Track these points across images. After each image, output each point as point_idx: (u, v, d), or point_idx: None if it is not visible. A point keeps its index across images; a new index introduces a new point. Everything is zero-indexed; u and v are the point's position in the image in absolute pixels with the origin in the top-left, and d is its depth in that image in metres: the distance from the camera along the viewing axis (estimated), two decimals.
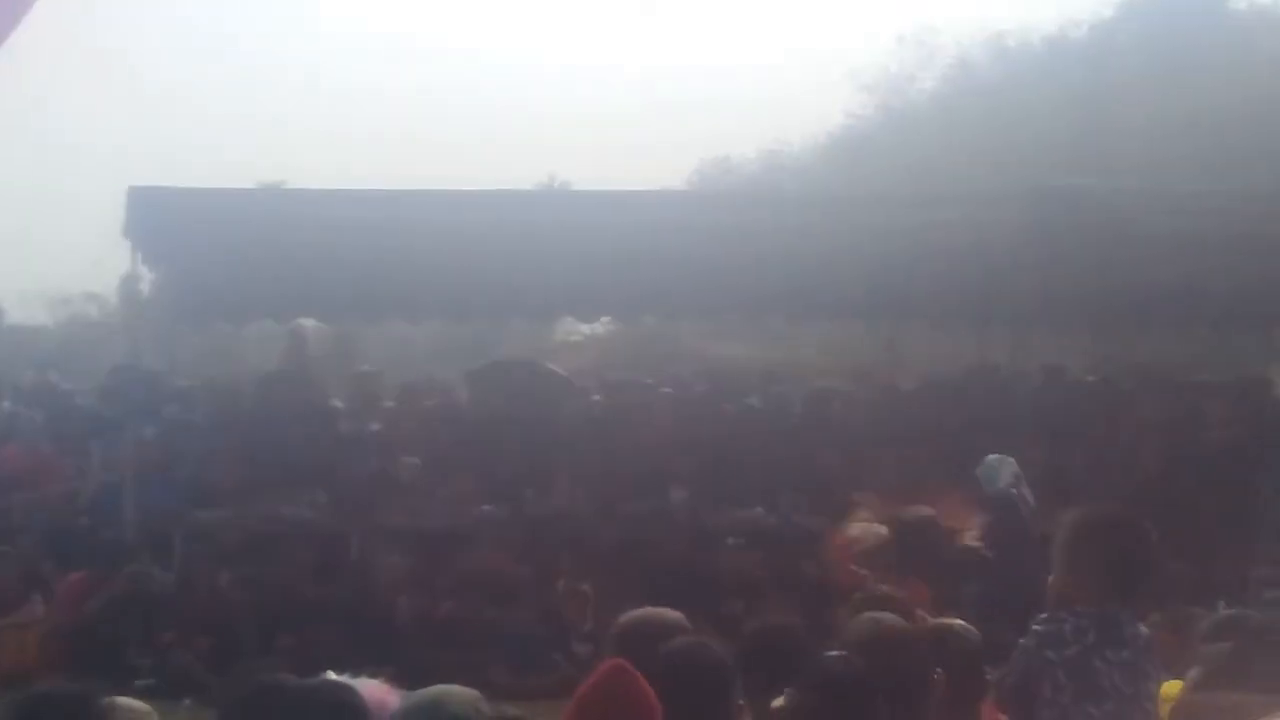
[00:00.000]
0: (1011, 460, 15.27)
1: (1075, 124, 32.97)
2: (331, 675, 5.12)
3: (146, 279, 17.64)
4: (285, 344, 18.75)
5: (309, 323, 20.16)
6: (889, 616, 5.80)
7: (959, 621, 6.27)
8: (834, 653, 5.34)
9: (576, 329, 26.34)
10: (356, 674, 5.46)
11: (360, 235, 15.96)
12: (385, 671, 8.01)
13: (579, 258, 16.21)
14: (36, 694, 4.73)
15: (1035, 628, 5.74)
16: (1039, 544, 7.44)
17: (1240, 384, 18.55)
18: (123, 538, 15.58)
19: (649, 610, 6.06)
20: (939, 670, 5.38)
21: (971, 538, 15.53)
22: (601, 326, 25.40)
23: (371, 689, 4.97)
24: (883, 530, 14.96)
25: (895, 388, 18.47)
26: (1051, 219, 15.90)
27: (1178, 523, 15.41)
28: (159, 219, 16.51)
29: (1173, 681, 5.88)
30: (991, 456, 15.31)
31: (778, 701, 5.13)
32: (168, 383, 17.89)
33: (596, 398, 18.60)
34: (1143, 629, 5.73)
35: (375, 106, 73.74)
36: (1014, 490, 15.10)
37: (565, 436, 17.16)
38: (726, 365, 22.22)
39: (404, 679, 5.42)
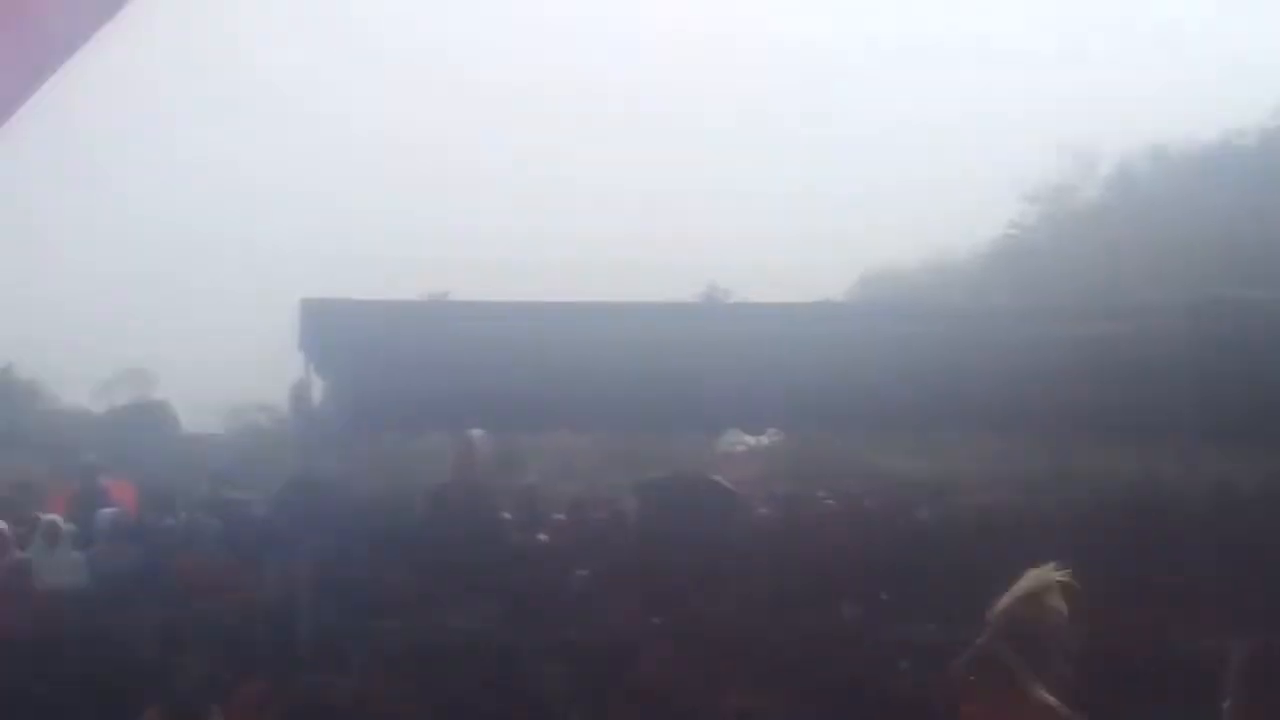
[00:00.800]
0: None
1: (1236, 234, 32.65)
2: None
3: (318, 388, 17.96)
4: (455, 453, 18.91)
5: (477, 432, 20.39)
6: None
7: None
8: None
9: (742, 440, 26.34)
10: None
11: (526, 347, 16.16)
12: None
13: (745, 369, 16.26)
14: None
15: None
16: None
17: None
18: (300, 648, 15.77)
19: None
20: None
21: None
22: (767, 438, 25.42)
23: None
24: None
25: (1066, 503, 18.30)
26: (1218, 330, 15.75)
27: None
28: (331, 330, 16.81)
29: None
30: None
31: None
32: (341, 494, 18.13)
33: (764, 511, 18.62)
34: None
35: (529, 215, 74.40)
36: None
37: (735, 549, 17.17)
38: (893, 478, 22.14)
39: None
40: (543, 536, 17.87)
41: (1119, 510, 17.80)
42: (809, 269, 58.49)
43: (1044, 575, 7.45)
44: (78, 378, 57.91)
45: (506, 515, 18.27)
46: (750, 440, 26.07)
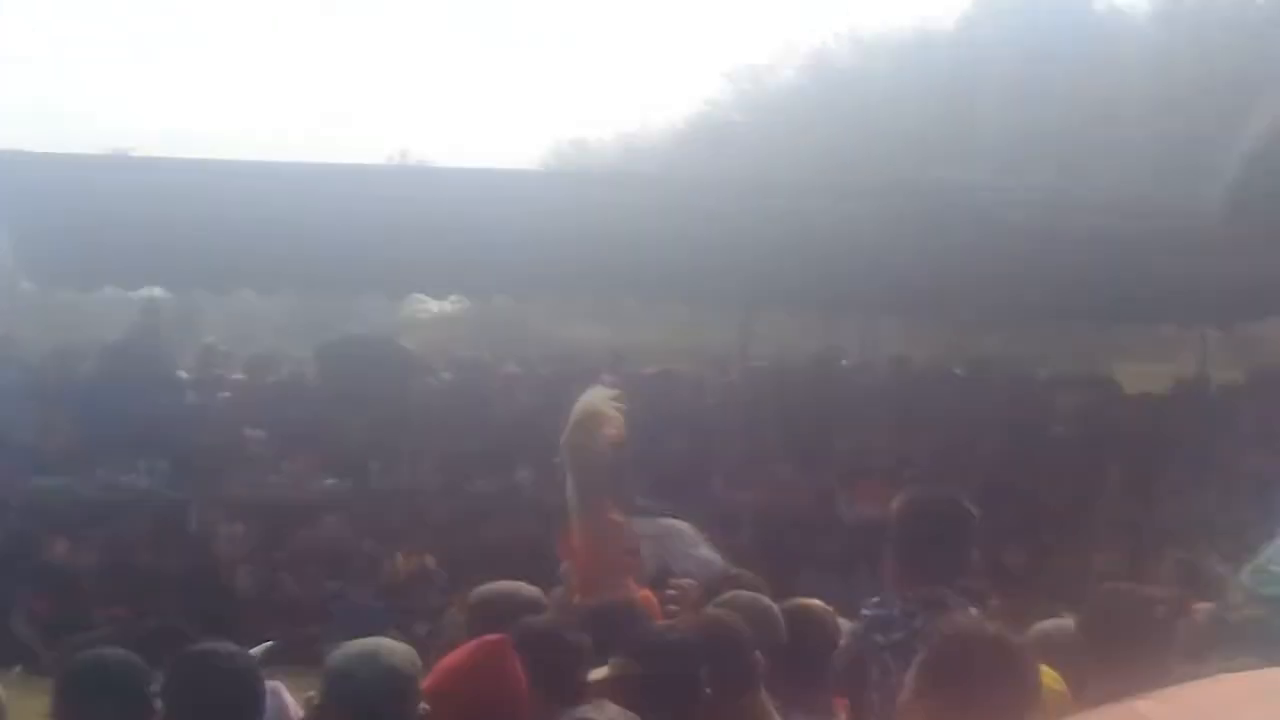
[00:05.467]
0: None
1: (932, 119, 33.28)
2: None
3: None
4: (139, 316, 18.40)
5: (156, 292, 19.95)
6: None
7: (815, 601, 6.25)
8: (661, 624, 5.37)
9: (426, 306, 26.24)
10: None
11: (210, 206, 15.75)
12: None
13: (430, 235, 16.07)
14: None
15: (865, 612, 5.75)
16: None
17: (1086, 379, 18.89)
18: None
19: (505, 584, 6.03)
20: (758, 654, 5.33)
21: None
22: (451, 305, 25.34)
23: None
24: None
25: (744, 373, 18.58)
26: (904, 211, 15.99)
27: (1020, 514, 15.75)
28: (7, 183, 16.25)
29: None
30: None
31: (599, 672, 5.14)
32: (7, 346, 17.62)
33: (446, 375, 18.57)
34: (972, 612, 5.73)
35: (230, 74, 72.97)
36: None
37: (413, 413, 17.11)
38: (575, 347, 22.22)
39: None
40: (227, 393, 17.61)
41: (799, 380, 18.15)
42: (500, 140, 58.41)
43: (594, 399, 7.61)
44: None
45: (183, 374, 17.94)
46: (434, 307, 25.99)
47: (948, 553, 5.78)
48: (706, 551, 9.94)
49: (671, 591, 6.48)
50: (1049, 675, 5.42)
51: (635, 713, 4.79)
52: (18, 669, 11.90)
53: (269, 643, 5.69)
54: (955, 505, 5.90)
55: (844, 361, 19.58)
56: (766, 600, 5.95)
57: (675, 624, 5.78)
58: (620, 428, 7.45)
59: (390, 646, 4.74)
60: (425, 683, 4.87)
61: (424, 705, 4.69)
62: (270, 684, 5.07)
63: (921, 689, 4.14)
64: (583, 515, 7.30)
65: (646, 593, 6.71)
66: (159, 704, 4.63)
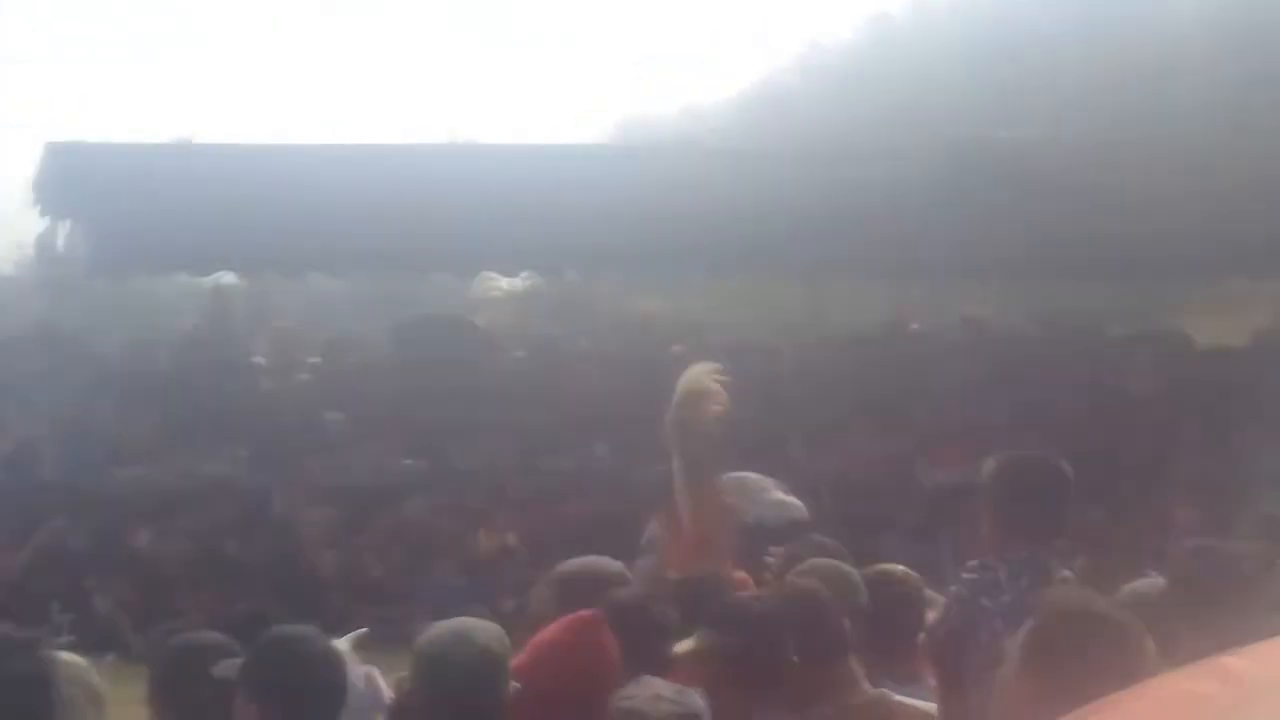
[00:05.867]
0: None
1: (993, 76, 33.07)
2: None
3: (63, 234, 17.53)
4: (209, 302, 18.55)
5: (228, 278, 20.09)
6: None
7: (898, 566, 6.25)
8: (746, 595, 5.38)
9: (496, 284, 26.25)
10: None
11: (277, 190, 15.90)
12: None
13: (499, 212, 16.16)
14: None
15: (967, 576, 5.72)
16: None
17: (1156, 335, 18.78)
18: (43, 495, 15.48)
19: (590, 560, 6.05)
20: (846, 621, 5.31)
21: None
22: (521, 282, 25.35)
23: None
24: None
25: (818, 341, 18.57)
26: (963, 171, 15.96)
27: (1097, 474, 15.69)
28: (76, 174, 16.41)
29: None
30: None
31: (685, 645, 5.15)
32: (86, 340, 17.79)
33: (519, 353, 18.62)
34: (1068, 573, 5.74)
35: (279, 61, 73.19)
36: None
37: (488, 392, 17.17)
38: (647, 319, 22.21)
39: (329, 635, 5.42)
40: (304, 377, 17.72)
41: (873, 348, 18.13)
42: (566, 117, 58.37)
43: (697, 375, 7.65)
44: None
45: (258, 359, 18.06)
46: (504, 284, 26.01)
47: (1048, 514, 5.78)
48: (782, 495, 10.00)
49: (769, 559, 6.49)
50: None
51: (723, 684, 4.82)
52: (110, 657, 11.96)
53: (362, 630, 5.72)
54: (1052, 466, 5.90)
55: (915, 325, 19.54)
56: (847, 566, 5.95)
57: (760, 595, 5.80)
58: (725, 403, 7.50)
59: (480, 626, 4.76)
60: (519, 660, 4.91)
61: (515, 683, 4.72)
62: (364, 669, 5.11)
63: (1026, 666, 4.13)
64: (693, 492, 7.42)
65: (742, 575, 6.73)
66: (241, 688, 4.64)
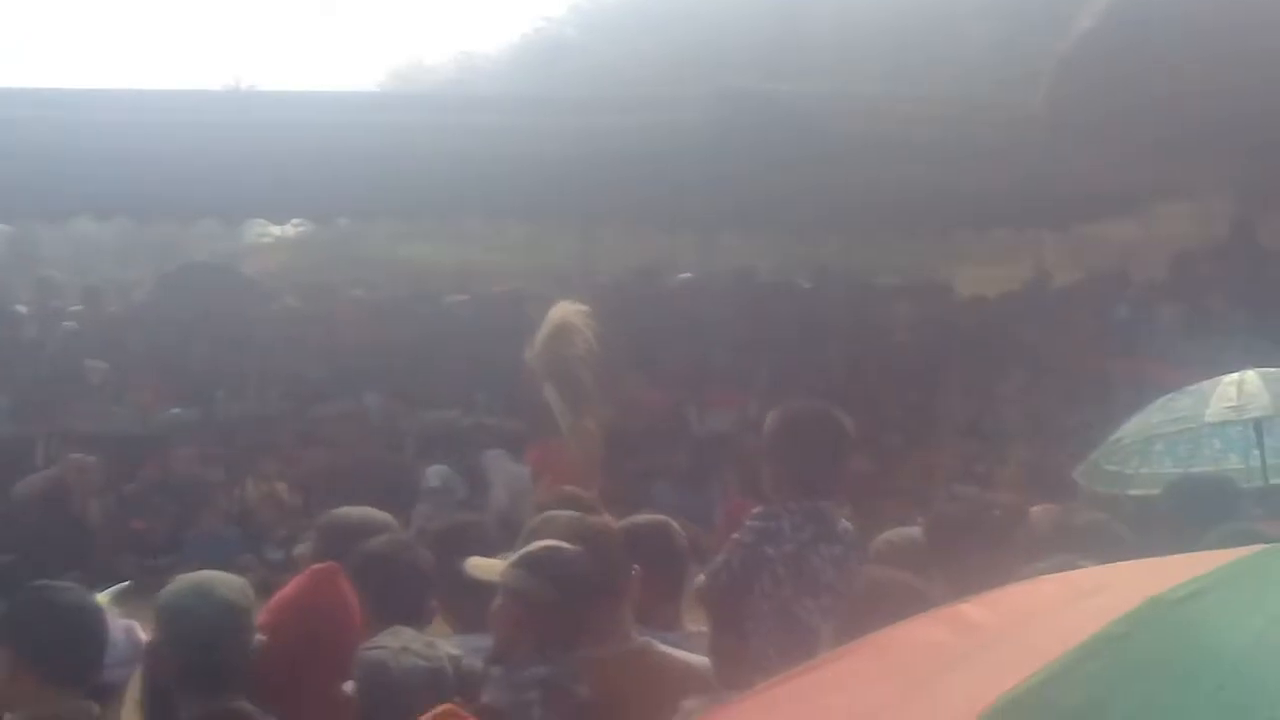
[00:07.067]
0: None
1: (766, 28, 33.30)
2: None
3: None
4: None
5: None
6: (585, 516, 5.83)
7: (659, 517, 6.27)
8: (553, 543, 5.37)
9: (268, 231, 25.98)
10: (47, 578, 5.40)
11: (43, 134, 15.54)
12: (74, 576, 7.84)
13: (269, 158, 15.96)
14: None
15: (750, 524, 5.74)
16: None
17: (922, 287, 19.14)
18: None
19: (353, 509, 6.01)
20: (636, 566, 5.32)
21: None
22: (293, 229, 25.11)
23: None
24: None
25: (587, 289, 18.64)
26: (739, 122, 16.08)
27: (865, 422, 15.96)
28: None
29: None
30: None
31: (476, 570, 5.10)
32: None
33: (290, 301, 18.47)
34: (847, 523, 5.83)
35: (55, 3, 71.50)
36: None
37: (257, 340, 17.02)
38: (419, 267, 22.14)
39: (94, 584, 5.36)
40: (68, 324, 17.40)
41: (636, 295, 18.25)
42: (340, 63, 57.75)
43: (566, 310, 8.02)
44: None
45: (20, 308, 17.72)
46: (276, 231, 25.76)
47: (829, 466, 5.86)
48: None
49: None
50: None
51: (511, 622, 4.82)
52: None
53: (125, 583, 5.66)
54: (833, 418, 5.96)
55: (686, 275, 19.72)
56: (588, 519, 5.91)
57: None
58: (591, 340, 7.94)
59: (221, 578, 4.73)
60: (261, 616, 4.91)
61: (260, 636, 4.72)
62: (124, 623, 5.07)
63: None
64: (569, 420, 8.04)
65: None
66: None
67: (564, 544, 5.28)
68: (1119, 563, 2.81)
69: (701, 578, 5.74)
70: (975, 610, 2.62)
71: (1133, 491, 8.40)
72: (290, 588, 5.06)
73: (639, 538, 5.56)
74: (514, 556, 5.08)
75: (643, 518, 6.05)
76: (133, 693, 5.00)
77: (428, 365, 16.72)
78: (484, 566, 5.05)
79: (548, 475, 7.81)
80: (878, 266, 21.35)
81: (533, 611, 4.88)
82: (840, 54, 30.07)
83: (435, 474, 14.65)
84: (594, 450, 8.11)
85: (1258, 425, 7.99)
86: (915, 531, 5.97)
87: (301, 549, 6.22)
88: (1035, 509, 6.35)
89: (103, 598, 4.97)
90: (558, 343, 8.21)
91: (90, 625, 4.64)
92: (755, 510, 5.87)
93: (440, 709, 3.99)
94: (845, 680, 2.66)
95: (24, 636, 4.53)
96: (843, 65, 28.40)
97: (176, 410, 15.92)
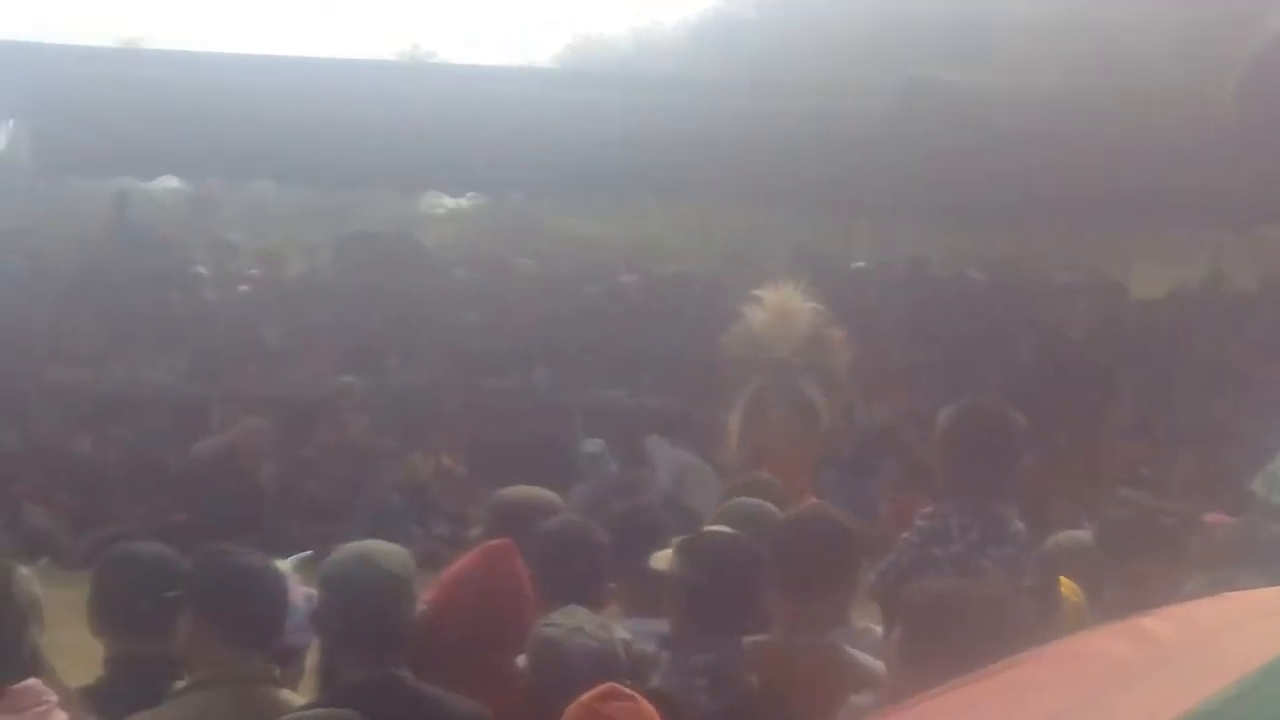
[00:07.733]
0: None
1: (950, 17, 32.97)
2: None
3: (4, 135, 17.42)
4: (110, 210, 18.17)
5: (172, 182, 19.98)
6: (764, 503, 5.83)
7: (831, 510, 6.20)
8: (719, 528, 5.36)
9: (441, 202, 26.21)
10: (216, 541, 5.50)
11: (223, 97, 15.78)
12: (244, 540, 7.91)
13: (445, 131, 16.11)
14: None
15: (919, 523, 5.69)
16: None
17: (1096, 284, 18.89)
18: None
19: (525, 488, 6.04)
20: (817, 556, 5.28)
21: None
22: (467, 202, 25.32)
23: None
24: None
25: (761, 273, 18.58)
26: (921, 110, 15.97)
27: (1031, 419, 15.77)
28: (18, 75, 16.26)
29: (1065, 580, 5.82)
30: None
31: (660, 562, 5.10)
32: (21, 238, 17.66)
33: (461, 273, 18.59)
34: (1020, 525, 5.73)
35: None
36: None
37: (429, 310, 17.16)
38: (590, 244, 22.23)
39: (264, 548, 5.44)
40: (244, 288, 17.65)
41: (812, 280, 18.16)
42: (515, 36, 57.87)
43: (789, 296, 8.04)
44: None
45: (200, 269, 17.98)
46: (449, 203, 25.97)
47: (1000, 466, 5.79)
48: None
49: None
50: (1067, 587, 5.48)
51: (681, 611, 4.84)
52: (44, 560, 11.86)
53: (306, 552, 5.74)
54: (1007, 419, 5.87)
55: (860, 263, 19.61)
56: (771, 507, 5.89)
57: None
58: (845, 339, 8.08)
59: (384, 549, 4.76)
60: (433, 590, 4.97)
61: (423, 607, 4.79)
62: (304, 590, 5.15)
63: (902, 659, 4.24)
64: (784, 402, 8.09)
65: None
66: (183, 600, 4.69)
67: (724, 529, 5.30)
68: None
69: (873, 576, 5.70)
70: (1157, 624, 2.61)
71: None
72: (463, 563, 5.11)
73: (806, 529, 5.53)
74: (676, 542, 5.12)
75: (811, 509, 6.02)
76: (313, 657, 5.09)
77: (595, 343, 16.75)
78: (662, 556, 5.09)
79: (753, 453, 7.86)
80: (1051, 262, 21.10)
81: (692, 597, 4.90)
82: (1023, 43, 29.73)
83: (593, 443, 14.82)
84: (805, 432, 8.08)
85: None
86: (1086, 536, 5.89)
87: (476, 532, 6.25)
88: (1209, 518, 6.26)
89: (285, 564, 5.06)
90: (822, 345, 8.09)
91: (272, 590, 4.72)
92: (924, 510, 5.81)
93: (602, 688, 4.03)
94: (1024, 688, 2.66)
95: (209, 598, 4.63)
96: (1026, 55, 28.08)
97: (349, 378, 16.05)
